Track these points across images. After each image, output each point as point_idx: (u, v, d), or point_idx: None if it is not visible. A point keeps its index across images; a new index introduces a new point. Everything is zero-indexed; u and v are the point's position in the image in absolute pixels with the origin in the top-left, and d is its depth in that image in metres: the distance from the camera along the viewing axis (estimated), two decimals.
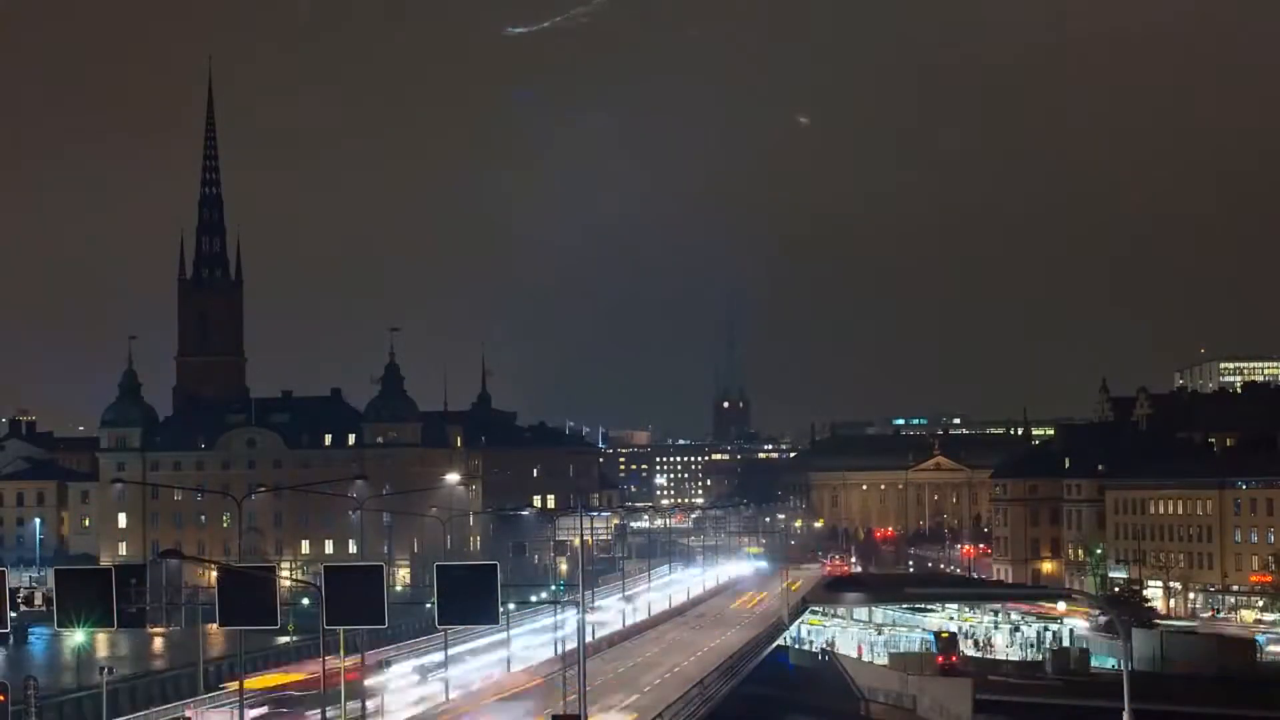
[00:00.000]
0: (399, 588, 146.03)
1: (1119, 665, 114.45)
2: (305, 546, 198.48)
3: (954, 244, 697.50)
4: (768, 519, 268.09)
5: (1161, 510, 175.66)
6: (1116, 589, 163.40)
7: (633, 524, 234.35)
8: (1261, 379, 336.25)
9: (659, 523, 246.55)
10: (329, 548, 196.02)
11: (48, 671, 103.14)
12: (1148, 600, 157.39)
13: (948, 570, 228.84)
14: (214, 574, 61.01)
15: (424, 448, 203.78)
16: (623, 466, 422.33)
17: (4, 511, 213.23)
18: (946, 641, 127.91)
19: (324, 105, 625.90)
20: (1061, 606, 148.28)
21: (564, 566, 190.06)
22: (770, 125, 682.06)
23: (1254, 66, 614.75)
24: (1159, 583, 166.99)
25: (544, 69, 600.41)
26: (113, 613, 55.30)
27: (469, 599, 55.16)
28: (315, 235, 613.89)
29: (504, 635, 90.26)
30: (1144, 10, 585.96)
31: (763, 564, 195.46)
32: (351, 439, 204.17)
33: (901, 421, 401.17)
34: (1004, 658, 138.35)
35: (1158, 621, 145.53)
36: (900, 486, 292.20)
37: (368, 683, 71.41)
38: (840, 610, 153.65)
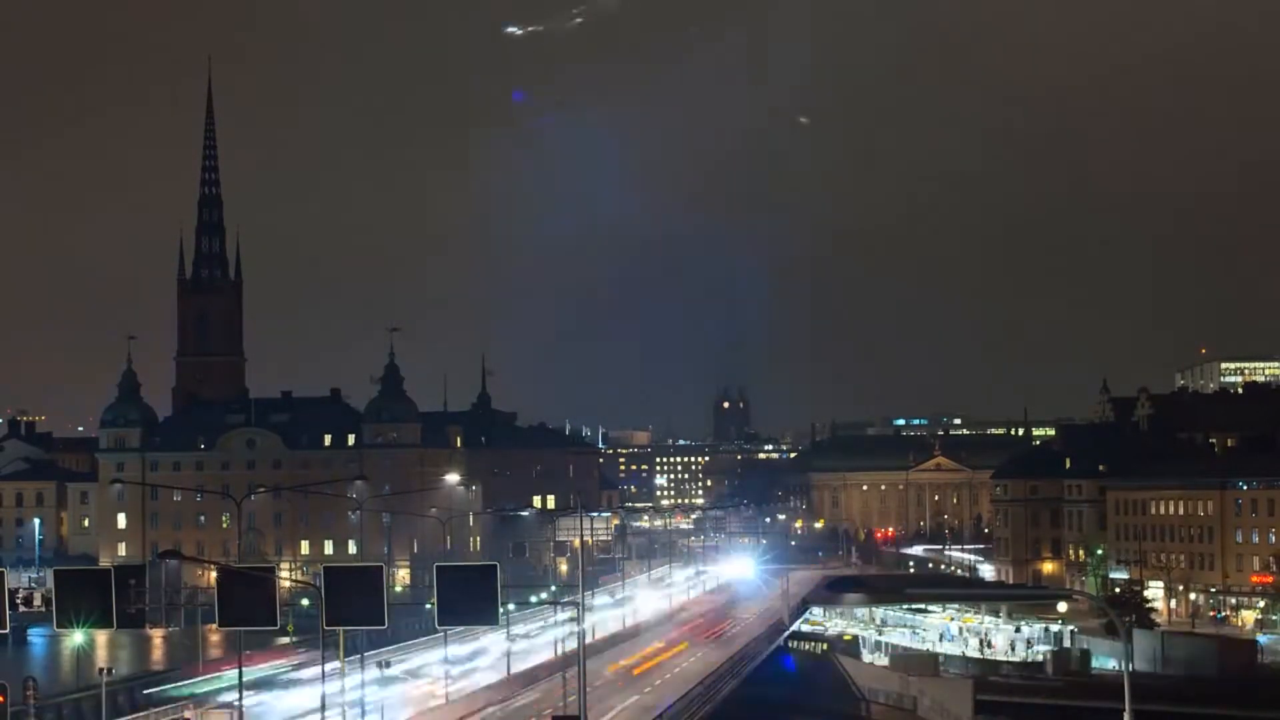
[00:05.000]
0: (399, 588, 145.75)
1: (1119, 666, 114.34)
2: (305, 547, 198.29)
3: (954, 244, 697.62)
4: (768, 519, 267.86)
5: (1162, 511, 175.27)
6: (1117, 590, 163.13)
7: (633, 524, 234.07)
8: (1262, 379, 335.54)
9: (659, 523, 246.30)
10: (329, 548, 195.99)
11: (47, 672, 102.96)
12: (1148, 601, 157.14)
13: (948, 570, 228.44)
14: (214, 574, 60.93)
15: (424, 448, 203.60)
16: (623, 466, 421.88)
17: (3, 512, 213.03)
18: None
19: (323, 105, 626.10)
20: (1062, 607, 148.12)
21: (564, 567, 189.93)
22: (770, 125, 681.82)
23: (1263, 69, 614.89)
24: (1160, 583, 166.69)
25: (543, 69, 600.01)
26: (112, 613, 55.26)
27: (469, 599, 55.17)
28: (315, 235, 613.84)
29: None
30: (1145, 26, 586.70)
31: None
32: (351, 439, 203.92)
33: (902, 421, 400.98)
34: (1004, 658, 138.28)
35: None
36: (900, 487, 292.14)
37: None
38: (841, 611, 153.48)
